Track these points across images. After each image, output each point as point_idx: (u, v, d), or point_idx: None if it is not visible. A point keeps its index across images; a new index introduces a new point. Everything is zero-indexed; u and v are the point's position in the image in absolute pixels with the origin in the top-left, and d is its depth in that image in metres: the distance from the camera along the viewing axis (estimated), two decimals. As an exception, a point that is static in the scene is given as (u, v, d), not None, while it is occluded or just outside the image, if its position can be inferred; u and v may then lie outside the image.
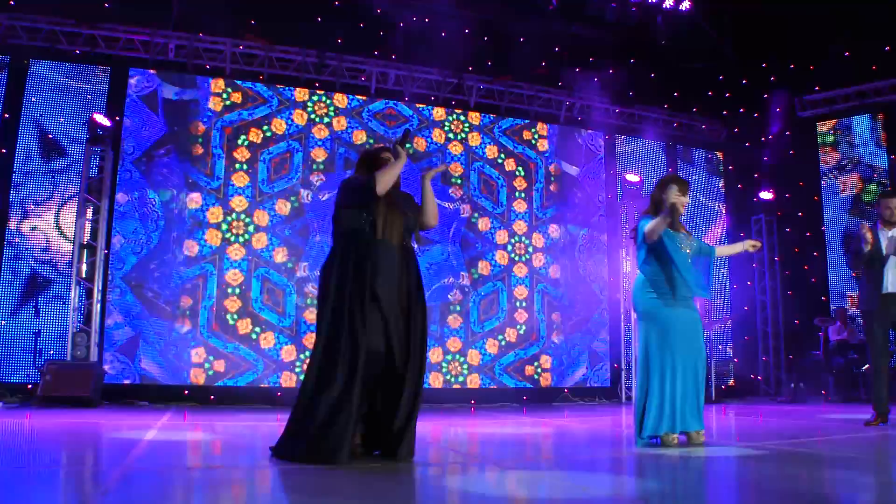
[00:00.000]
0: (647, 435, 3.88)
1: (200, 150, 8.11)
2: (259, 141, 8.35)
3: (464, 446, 4.25)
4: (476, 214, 9.20)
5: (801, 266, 10.01)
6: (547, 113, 9.92)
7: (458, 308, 8.90)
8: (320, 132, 8.64)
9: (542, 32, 9.47)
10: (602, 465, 3.44)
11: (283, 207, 8.31)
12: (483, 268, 9.10)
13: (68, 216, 7.44)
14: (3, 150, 7.62)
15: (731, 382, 10.25)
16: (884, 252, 5.08)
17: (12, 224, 7.47)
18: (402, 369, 3.12)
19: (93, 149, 7.31)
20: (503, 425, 5.66)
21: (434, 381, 8.67)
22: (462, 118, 9.44)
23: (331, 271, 3.14)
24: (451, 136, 9.31)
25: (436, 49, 9.05)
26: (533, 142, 9.75)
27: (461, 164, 9.23)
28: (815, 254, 9.89)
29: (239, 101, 8.37)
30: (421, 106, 9.27)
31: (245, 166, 8.24)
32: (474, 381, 8.92)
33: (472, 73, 9.49)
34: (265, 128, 8.42)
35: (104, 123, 7.24)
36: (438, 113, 9.32)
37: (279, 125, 8.48)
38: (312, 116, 8.66)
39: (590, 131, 10.09)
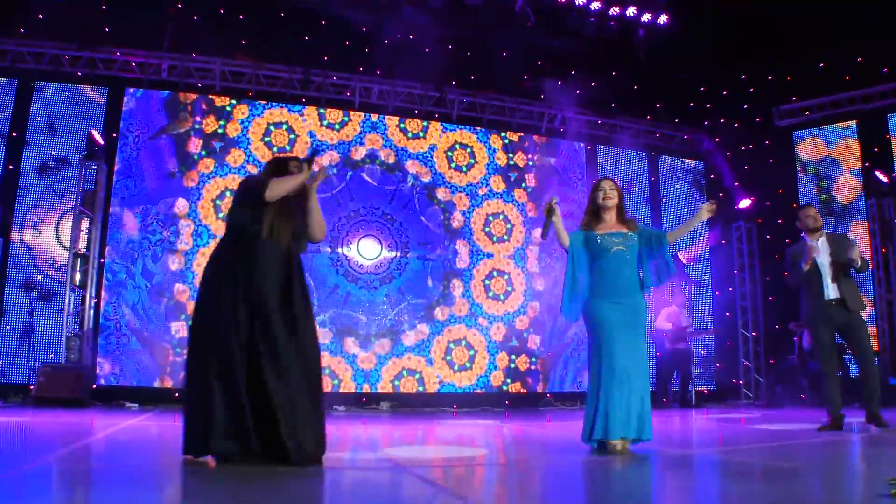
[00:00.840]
0: (589, 439, 3.88)
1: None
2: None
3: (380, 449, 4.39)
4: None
5: (780, 272, 10.24)
6: (529, 125, 10.34)
7: (438, 313, 9.34)
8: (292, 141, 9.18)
9: (523, 46, 9.89)
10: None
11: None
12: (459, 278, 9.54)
13: (67, 227, 8.01)
14: (11, 167, 8.26)
15: (713, 387, 10.53)
16: (818, 259, 5.21)
17: (17, 235, 8.09)
18: (281, 372, 3.16)
19: (88, 164, 7.88)
20: (462, 428, 6.00)
21: (411, 385, 9.09)
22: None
23: (213, 266, 3.30)
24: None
25: (418, 64, 9.53)
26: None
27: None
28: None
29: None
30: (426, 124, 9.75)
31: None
32: (460, 384, 9.31)
33: (454, 86, 9.96)
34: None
35: (99, 141, 7.81)
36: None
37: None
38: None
39: (572, 142, 10.47)
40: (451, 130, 9.92)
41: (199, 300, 3.34)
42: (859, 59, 9.58)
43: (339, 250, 9.03)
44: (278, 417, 3.11)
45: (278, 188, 3.34)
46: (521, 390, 9.59)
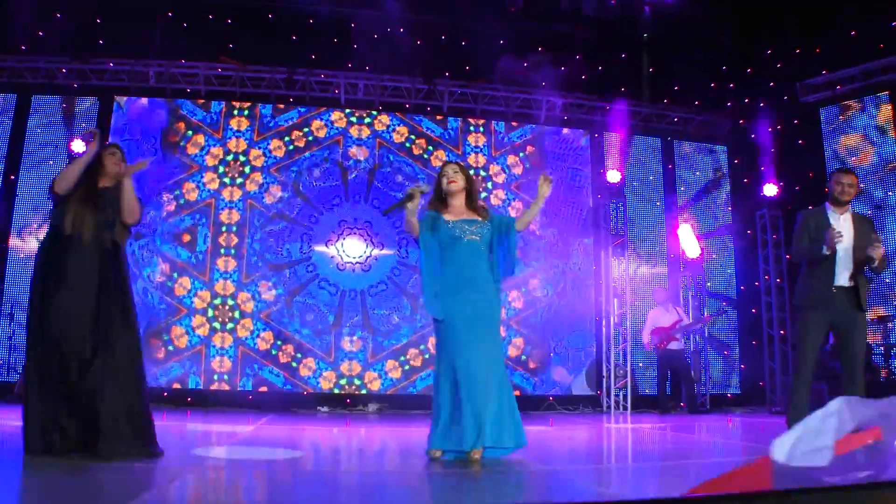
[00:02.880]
0: (432, 446, 3.71)
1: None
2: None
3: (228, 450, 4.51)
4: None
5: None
6: (526, 113, 10.09)
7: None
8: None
9: (515, 32, 9.69)
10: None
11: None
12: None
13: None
14: (13, 177, 8.96)
15: (738, 391, 9.88)
16: (847, 246, 4.48)
17: (16, 241, 8.76)
18: (94, 366, 3.33)
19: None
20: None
21: (403, 386, 9.09)
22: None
23: (34, 266, 3.54)
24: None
25: (405, 56, 9.55)
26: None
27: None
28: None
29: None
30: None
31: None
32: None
33: (446, 78, 9.87)
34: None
35: (79, 150, 8.33)
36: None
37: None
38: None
39: (571, 130, 10.13)
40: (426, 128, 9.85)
41: (29, 301, 3.54)
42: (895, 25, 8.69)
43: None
44: (96, 412, 3.31)
45: (62, 177, 3.51)
46: (527, 392, 9.36)
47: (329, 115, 9.59)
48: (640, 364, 9.57)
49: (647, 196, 10.15)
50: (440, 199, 4.01)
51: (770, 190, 9.66)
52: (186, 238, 8.96)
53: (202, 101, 9.37)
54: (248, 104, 9.42)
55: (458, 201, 3.96)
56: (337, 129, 9.56)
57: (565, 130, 10.15)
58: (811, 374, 4.57)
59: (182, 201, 9.02)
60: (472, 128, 9.93)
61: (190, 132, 9.21)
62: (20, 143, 8.95)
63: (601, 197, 9.65)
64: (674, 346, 8.67)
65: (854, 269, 4.52)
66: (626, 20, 9.80)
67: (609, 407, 8.97)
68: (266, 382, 8.82)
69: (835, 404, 1.70)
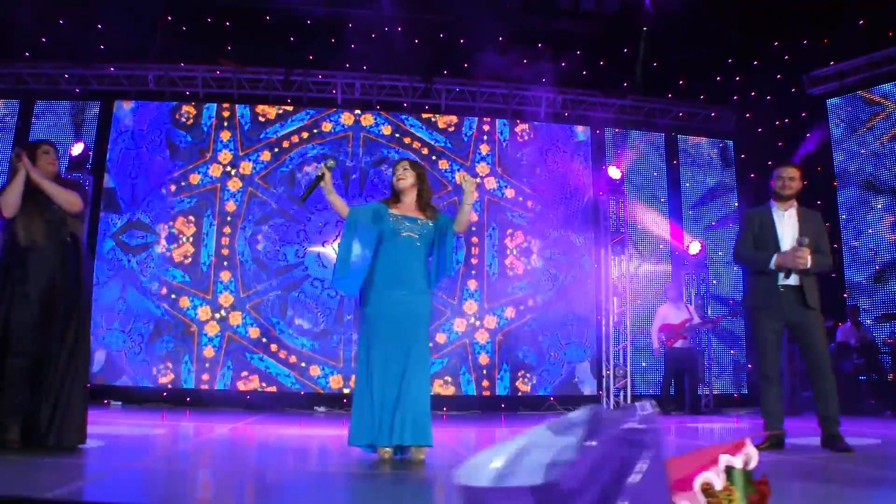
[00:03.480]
0: (352, 443, 3.69)
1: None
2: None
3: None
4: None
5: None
6: (526, 110, 10.04)
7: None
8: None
9: (517, 30, 9.64)
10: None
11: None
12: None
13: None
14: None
15: (745, 391, 9.71)
16: (779, 234, 4.42)
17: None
18: (49, 363, 3.53)
19: (73, 175, 8.60)
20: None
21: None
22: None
23: None
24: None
25: (405, 56, 9.59)
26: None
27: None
28: (835, 245, 9.13)
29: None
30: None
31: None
32: (449, 388, 9.22)
33: (445, 76, 9.88)
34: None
35: (76, 153, 8.52)
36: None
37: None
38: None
39: (571, 126, 10.06)
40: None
41: None
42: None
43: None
44: (39, 406, 3.49)
45: (5, 205, 3.63)
46: (522, 392, 9.32)
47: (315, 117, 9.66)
48: (643, 364, 9.46)
49: (650, 193, 10.03)
50: (394, 195, 4.01)
51: (777, 185, 9.45)
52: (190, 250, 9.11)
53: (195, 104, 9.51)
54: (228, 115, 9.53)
55: (409, 198, 3.93)
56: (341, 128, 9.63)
57: (565, 127, 10.07)
58: (778, 374, 4.45)
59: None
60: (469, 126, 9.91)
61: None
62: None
63: (602, 194, 9.54)
64: (680, 344, 8.55)
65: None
66: (627, 14, 9.70)
67: (615, 405, 8.87)
68: (276, 382, 8.91)
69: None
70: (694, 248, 9.39)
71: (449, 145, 9.79)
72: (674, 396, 8.71)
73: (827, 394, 4.25)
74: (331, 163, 3.84)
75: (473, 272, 9.49)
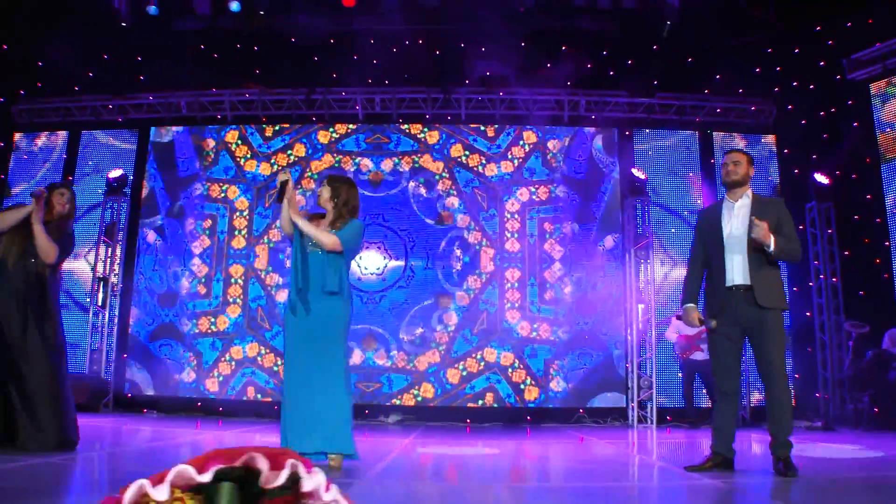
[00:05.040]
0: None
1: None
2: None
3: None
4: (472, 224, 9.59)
5: (871, 260, 8.64)
6: (550, 115, 9.95)
7: (451, 326, 9.36)
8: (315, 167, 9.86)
9: (533, 34, 9.63)
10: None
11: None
12: (474, 281, 9.45)
13: (97, 256, 9.53)
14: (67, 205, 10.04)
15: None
16: (725, 227, 4.06)
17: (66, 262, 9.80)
18: (18, 373, 4.03)
19: (109, 200, 9.32)
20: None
21: (429, 395, 9.21)
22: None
23: None
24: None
25: (423, 68, 9.79)
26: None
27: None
28: (886, 243, 8.50)
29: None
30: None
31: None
32: (481, 400, 9.23)
33: (465, 84, 9.95)
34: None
35: (115, 176, 9.23)
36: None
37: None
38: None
39: (596, 129, 9.88)
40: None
41: None
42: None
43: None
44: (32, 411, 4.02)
45: (1, 219, 4.19)
46: (554, 404, 9.19)
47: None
48: (673, 373, 9.10)
49: (682, 194, 9.67)
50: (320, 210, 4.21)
51: (820, 178, 8.91)
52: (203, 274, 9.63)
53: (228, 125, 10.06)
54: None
55: (330, 216, 4.10)
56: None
57: (589, 129, 9.91)
58: (734, 386, 4.01)
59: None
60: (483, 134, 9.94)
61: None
62: (72, 174, 10.03)
63: (628, 198, 9.30)
64: (698, 356, 8.18)
65: (752, 261, 3.93)
66: (653, 9, 9.46)
67: (637, 420, 8.59)
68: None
69: None
70: None
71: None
72: (699, 409, 8.34)
73: (777, 411, 3.82)
74: (283, 176, 4.02)
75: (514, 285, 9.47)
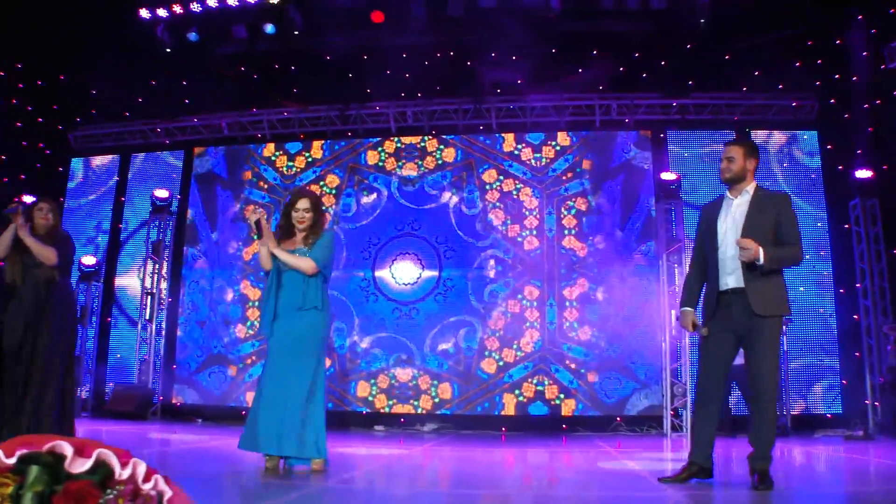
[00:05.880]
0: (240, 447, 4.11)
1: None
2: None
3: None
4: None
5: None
6: (581, 121, 9.95)
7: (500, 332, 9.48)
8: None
9: (563, 39, 9.67)
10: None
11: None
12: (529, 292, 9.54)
13: (146, 271, 10.11)
14: (121, 225, 10.70)
15: (839, 410, 8.82)
16: (720, 227, 3.96)
17: (118, 279, 10.45)
18: (28, 383, 4.34)
19: (156, 218, 9.89)
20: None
21: (465, 405, 9.34)
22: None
23: None
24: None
25: (453, 79, 9.98)
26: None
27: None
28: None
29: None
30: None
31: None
32: (509, 408, 9.31)
33: (497, 94, 10.07)
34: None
35: (161, 196, 9.79)
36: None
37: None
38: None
39: (629, 133, 9.82)
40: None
41: None
42: None
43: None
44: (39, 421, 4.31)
45: None
46: (585, 413, 9.17)
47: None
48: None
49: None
50: (286, 228, 4.34)
51: (862, 174, 8.59)
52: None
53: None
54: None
55: (303, 234, 4.29)
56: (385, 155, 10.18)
57: (623, 133, 9.85)
58: (717, 394, 3.89)
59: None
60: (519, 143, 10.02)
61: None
62: (124, 195, 10.68)
63: (661, 202, 9.19)
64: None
65: (745, 266, 3.75)
66: (683, 8, 9.34)
67: (672, 428, 8.47)
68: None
69: None
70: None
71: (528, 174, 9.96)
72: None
73: (759, 423, 3.72)
74: (254, 216, 4.23)
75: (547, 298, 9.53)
